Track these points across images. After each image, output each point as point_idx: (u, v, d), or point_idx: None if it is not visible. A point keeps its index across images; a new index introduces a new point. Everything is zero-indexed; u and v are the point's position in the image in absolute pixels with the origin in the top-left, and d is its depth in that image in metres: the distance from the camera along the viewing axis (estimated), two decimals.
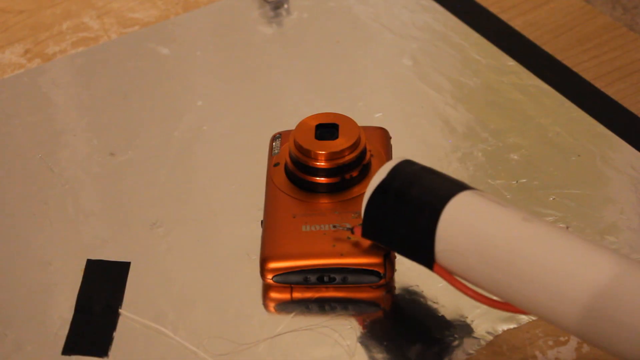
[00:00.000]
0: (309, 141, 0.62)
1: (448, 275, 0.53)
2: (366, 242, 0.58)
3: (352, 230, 0.58)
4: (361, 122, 0.63)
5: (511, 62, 0.75)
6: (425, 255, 0.54)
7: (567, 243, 0.50)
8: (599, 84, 0.72)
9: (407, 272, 0.60)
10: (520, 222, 0.51)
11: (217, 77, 0.76)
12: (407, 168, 0.55)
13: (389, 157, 0.64)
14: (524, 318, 0.58)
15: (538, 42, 0.76)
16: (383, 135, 0.66)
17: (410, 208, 0.54)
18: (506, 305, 0.52)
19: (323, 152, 0.61)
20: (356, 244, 0.58)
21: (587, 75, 0.73)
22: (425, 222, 0.53)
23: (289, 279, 0.59)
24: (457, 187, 0.54)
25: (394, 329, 0.58)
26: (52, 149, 0.71)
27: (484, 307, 0.58)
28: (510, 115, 0.71)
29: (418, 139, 0.70)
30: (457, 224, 0.52)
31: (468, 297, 0.53)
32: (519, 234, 0.51)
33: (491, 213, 0.52)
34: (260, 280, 0.60)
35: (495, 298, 0.52)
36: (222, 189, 0.67)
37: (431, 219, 0.53)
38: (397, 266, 0.60)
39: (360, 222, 0.57)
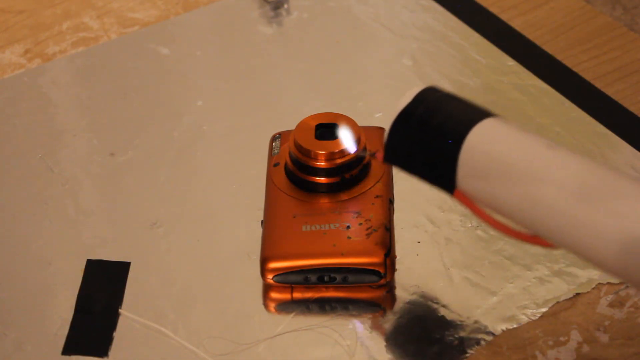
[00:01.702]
0: (309, 141, 0.62)
1: (468, 201, 0.53)
2: (367, 242, 0.58)
3: (374, 154, 0.57)
4: (361, 122, 0.63)
5: (511, 62, 0.75)
6: (446, 181, 0.53)
7: (591, 170, 0.49)
8: (598, 84, 0.72)
9: (407, 272, 0.60)
10: (544, 149, 0.51)
11: (217, 77, 0.76)
12: (431, 94, 0.55)
13: None
14: (524, 318, 0.58)
15: (538, 42, 0.76)
16: (383, 135, 0.65)
17: (433, 134, 0.53)
18: (528, 237, 0.51)
19: (323, 152, 0.61)
20: (356, 244, 0.58)
21: (587, 75, 0.73)
22: (448, 147, 0.52)
23: (289, 278, 0.59)
24: (482, 113, 0.53)
25: (394, 329, 0.58)
26: (52, 149, 0.71)
27: (484, 307, 0.59)
28: (510, 115, 0.71)
29: None
30: (481, 150, 0.52)
31: (487, 224, 0.53)
32: (542, 159, 0.50)
33: (515, 139, 0.52)
34: (260, 280, 0.60)
35: (517, 229, 0.52)
36: (222, 189, 0.67)
37: (454, 144, 0.52)
38: (397, 266, 0.60)
39: (382, 152, 0.56)
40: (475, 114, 0.53)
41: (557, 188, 0.49)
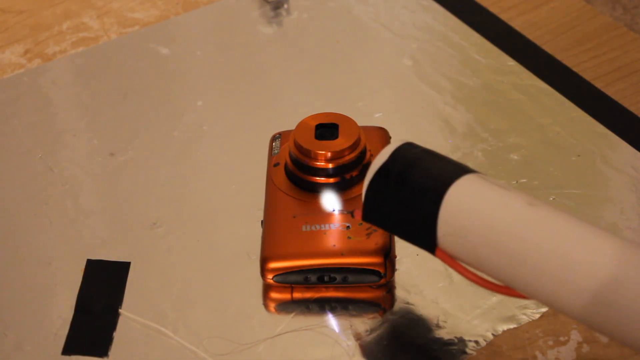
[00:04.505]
0: (309, 141, 0.62)
1: (450, 260, 0.52)
2: (367, 242, 0.58)
3: (352, 213, 0.57)
4: (361, 122, 0.63)
5: (511, 62, 0.75)
6: (427, 240, 0.52)
7: (572, 228, 0.49)
8: (598, 84, 0.72)
9: (407, 272, 0.60)
10: (525, 207, 0.50)
11: (217, 77, 0.76)
12: (408, 150, 0.54)
13: None
14: (524, 318, 0.58)
15: (538, 42, 0.76)
16: (383, 135, 0.66)
17: (412, 191, 0.52)
18: (508, 290, 0.51)
19: (323, 152, 0.61)
20: (356, 244, 0.58)
21: (587, 75, 0.73)
22: (427, 205, 0.51)
23: (289, 278, 0.59)
24: (461, 170, 0.52)
25: (394, 329, 0.58)
26: (52, 149, 0.71)
27: (484, 307, 0.59)
28: (510, 115, 0.71)
29: (418, 139, 0.69)
30: (460, 208, 0.51)
31: (470, 281, 0.52)
32: (523, 218, 0.50)
33: (495, 197, 0.51)
34: (260, 280, 0.60)
35: (499, 283, 0.51)
36: (222, 189, 0.67)
37: (434, 202, 0.51)
38: (397, 266, 0.60)
39: (360, 210, 0.55)
40: (453, 171, 0.52)
41: (535, 246, 0.49)
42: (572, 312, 0.48)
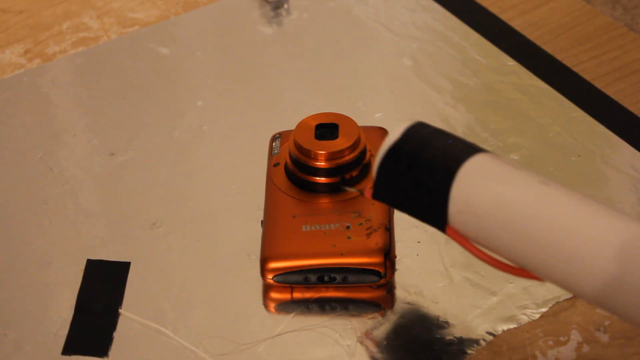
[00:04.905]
0: (309, 141, 0.62)
1: (461, 238, 0.51)
2: (367, 242, 0.58)
3: (362, 192, 0.57)
4: (361, 122, 0.63)
5: (511, 62, 0.75)
6: (438, 217, 0.52)
7: (585, 207, 0.49)
8: (598, 84, 0.72)
9: (407, 272, 0.61)
10: (537, 185, 0.50)
11: (217, 77, 0.76)
12: (420, 130, 0.54)
13: None
14: (524, 318, 0.58)
15: (538, 42, 0.76)
16: (383, 135, 0.65)
17: (423, 170, 0.52)
18: (521, 271, 0.50)
19: (323, 152, 0.61)
20: (356, 244, 0.58)
21: (587, 75, 0.73)
22: (439, 183, 0.51)
23: (289, 278, 0.59)
24: (473, 149, 0.52)
25: (394, 329, 0.58)
26: (52, 149, 0.71)
27: (484, 307, 0.59)
28: (510, 115, 0.71)
29: None
30: (473, 186, 0.51)
31: (481, 261, 0.51)
32: (536, 196, 0.49)
33: (508, 175, 0.51)
34: (260, 280, 0.60)
35: (509, 263, 0.51)
36: (222, 189, 0.67)
37: (446, 180, 0.51)
38: (397, 266, 0.60)
39: (370, 189, 0.55)
40: (466, 150, 0.52)
41: (548, 225, 0.48)
42: (584, 292, 0.48)
